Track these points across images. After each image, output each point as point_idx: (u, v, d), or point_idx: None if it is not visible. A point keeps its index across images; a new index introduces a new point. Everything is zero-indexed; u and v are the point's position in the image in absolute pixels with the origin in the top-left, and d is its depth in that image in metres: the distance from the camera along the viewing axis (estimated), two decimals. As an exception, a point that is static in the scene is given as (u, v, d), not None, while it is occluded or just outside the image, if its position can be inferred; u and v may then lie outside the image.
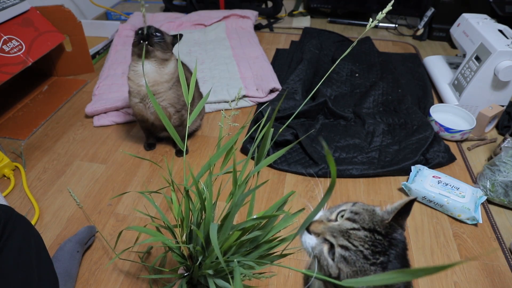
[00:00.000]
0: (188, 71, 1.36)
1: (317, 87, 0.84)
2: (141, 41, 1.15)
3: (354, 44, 0.70)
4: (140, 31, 1.17)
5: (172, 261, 0.99)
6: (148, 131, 1.38)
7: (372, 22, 0.58)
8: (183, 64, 1.35)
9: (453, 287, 0.97)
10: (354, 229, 0.51)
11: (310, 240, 0.54)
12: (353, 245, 0.50)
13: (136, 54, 1.18)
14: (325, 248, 0.52)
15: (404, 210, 0.53)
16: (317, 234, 0.54)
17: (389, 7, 0.55)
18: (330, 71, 0.68)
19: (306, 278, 0.67)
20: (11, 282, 0.70)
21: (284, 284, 0.97)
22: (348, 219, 0.53)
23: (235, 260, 0.58)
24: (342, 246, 0.50)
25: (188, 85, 0.74)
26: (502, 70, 1.41)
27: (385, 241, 0.51)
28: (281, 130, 0.80)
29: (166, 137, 1.45)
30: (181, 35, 1.24)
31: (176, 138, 0.73)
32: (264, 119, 0.69)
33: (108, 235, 1.09)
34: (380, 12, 0.56)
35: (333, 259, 0.51)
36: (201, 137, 1.49)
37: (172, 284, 0.77)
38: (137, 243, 1.02)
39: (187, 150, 1.41)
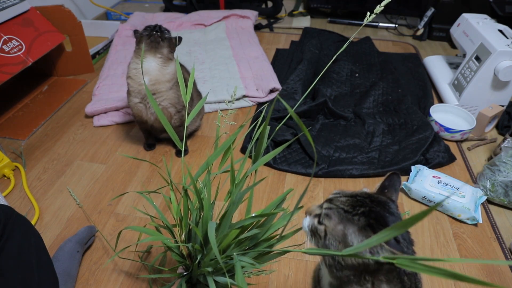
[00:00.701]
0: (186, 72, 1.36)
1: (312, 85, 0.84)
2: (154, 32, 1.17)
3: (350, 41, 0.70)
4: (148, 27, 1.19)
5: (171, 260, 0.99)
6: (147, 132, 1.38)
7: (365, 20, 0.60)
8: (181, 65, 1.35)
9: (453, 286, 0.97)
10: (336, 196, 0.59)
11: (305, 221, 0.61)
12: (335, 205, 0.57)
13: (146, 49, 1.17)
14: (316, 220, 0.59)
15: (390, 184, 0.60)
16: (310, 214, 0.61)
17: (381, 7, 0.57)
18: (326, 68, 0.69)
19: (318, 279, 0.69)
20: (11, 282, 0.70)
21: (284, 283, 0.97)
22: (334, 193, 0.61)
23: (234, 254, 0.58)
24: (326, 208, 0.57)
25: (186, 86, 0.74)
26: (502, 70, 1.41)
27: (366, 199, 0.56)
28: (277, 128, 0.80)
29: (165, 138, 1.45)
30: (180, 38, 1.25)
31: (176, 139, 0.73)
32: (261, 118, 0.69)
33: (108, 235, 1.09)
34: (374, 12, 0.57)
35: (320, 223, 0.57)
36: (201, 137, 1.49)
37: (171, 284, 0.77)
38: (137, 242, 1.02)
39: (187, 150, 1.41)
